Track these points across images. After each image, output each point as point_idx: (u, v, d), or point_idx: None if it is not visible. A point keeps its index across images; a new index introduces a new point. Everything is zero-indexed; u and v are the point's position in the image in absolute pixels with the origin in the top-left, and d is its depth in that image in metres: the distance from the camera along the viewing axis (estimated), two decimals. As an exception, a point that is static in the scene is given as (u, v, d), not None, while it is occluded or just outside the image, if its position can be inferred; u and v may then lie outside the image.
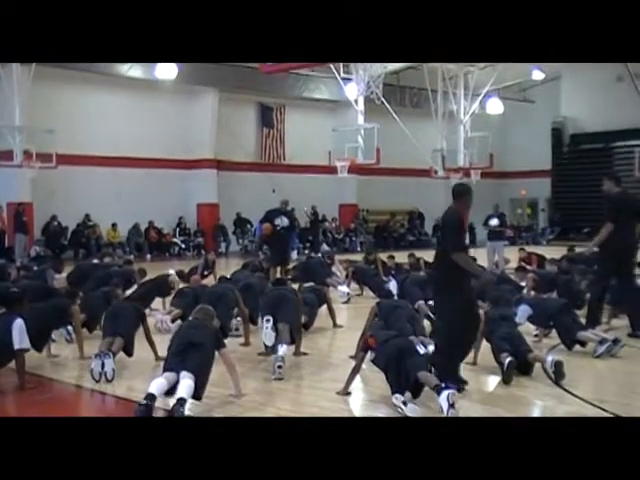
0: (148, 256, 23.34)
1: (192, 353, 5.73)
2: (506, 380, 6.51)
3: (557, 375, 6.53)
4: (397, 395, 5.66)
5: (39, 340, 7.07)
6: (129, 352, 7.29)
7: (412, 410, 5.50)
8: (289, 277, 11.07)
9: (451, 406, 5.33)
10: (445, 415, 5.32)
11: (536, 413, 5.98)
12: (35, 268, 12.58)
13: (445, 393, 5.38)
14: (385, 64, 21.60)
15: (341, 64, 22.72)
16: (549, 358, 6.76)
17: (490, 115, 27.62)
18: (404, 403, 5.55)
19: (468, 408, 6.01)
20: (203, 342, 5.84)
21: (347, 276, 13.50)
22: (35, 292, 9.01)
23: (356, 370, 6.32)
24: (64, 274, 12.14)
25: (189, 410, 5.56)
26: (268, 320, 7.33)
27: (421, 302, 9.24)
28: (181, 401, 5.38)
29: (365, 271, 13.53)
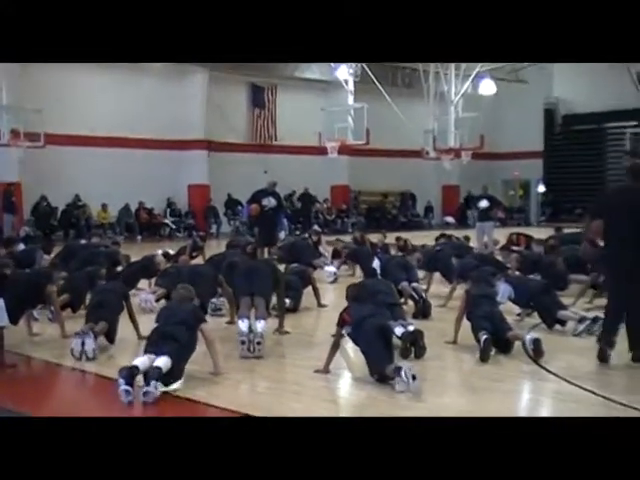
0: (139, 237, 23.34)
1: (169, 344, 5.76)
2: (483, 358, 6.53)
3: (536, 353, 6.58)
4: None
5: (12, 315, 7.01)
6: (111, 338, 7.28)
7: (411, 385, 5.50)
8: (274, 257, 11.07)
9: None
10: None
11: (509, 390, 5.99)
12: (21, 246, 12.53)
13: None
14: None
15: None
16: (528, 336, 6.82)
17: (482, 96, 27.49)
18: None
19: (446, 387, 6.08)
20: (180, 336, 5.85)
21: (339, 256, 13.63)
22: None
23: (335, 347, 6.30)
24: (53, 255, 12.15)
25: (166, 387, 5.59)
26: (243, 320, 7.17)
27: (405, 283, 9.26)
28: (157, 368, 5.45)
29: (361, 252, 13.51)
